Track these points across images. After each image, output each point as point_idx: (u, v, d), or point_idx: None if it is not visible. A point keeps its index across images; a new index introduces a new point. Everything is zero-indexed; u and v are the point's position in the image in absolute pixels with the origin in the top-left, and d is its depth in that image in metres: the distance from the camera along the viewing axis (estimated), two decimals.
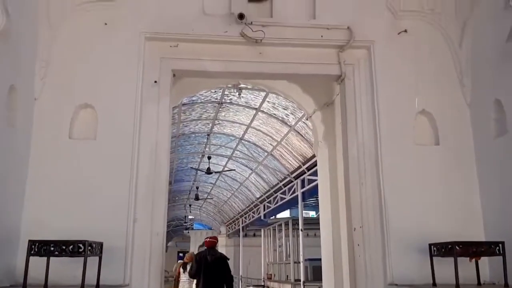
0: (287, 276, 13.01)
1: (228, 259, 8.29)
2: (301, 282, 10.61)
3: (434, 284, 3.46)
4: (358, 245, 3.88)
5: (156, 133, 3.91)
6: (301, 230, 11.03)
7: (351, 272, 3.90)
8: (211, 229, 29.43)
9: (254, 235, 22.97)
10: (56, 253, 2.98)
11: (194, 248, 28.17)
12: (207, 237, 8.57)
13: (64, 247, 2.97)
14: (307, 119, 7.08)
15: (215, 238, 8.68)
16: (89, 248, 3.08)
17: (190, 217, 27.68)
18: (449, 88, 4.20)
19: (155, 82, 4.04)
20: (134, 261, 3.61)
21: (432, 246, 3.52)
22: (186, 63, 4.18)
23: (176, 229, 33.77)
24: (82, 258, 3.09)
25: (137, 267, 3.61)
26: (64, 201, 3.64)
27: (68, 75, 3.95)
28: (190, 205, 22.14)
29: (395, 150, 4.00)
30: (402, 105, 4.13)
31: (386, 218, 3.82)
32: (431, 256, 3.52)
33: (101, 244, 3.33)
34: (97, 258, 3.32)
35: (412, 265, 3.72)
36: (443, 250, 3.38)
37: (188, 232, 30.73)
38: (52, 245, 2.97)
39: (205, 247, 8.31)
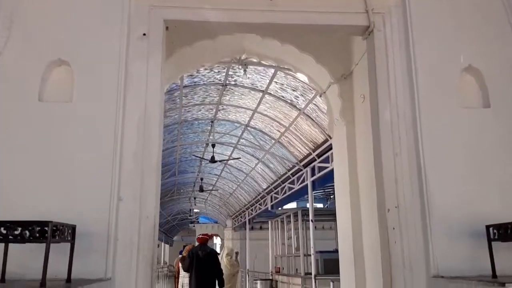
0: (297, 269, 12.32)
1: (219, 254, 9.23)
2: (312, 276, 9.92)
3: (494, 275, 2.75)
4: (394, 228, 3.17)
5: (145, 97, 3.21)
6: (312, 221, 10.33)
7: (385, 262, 3.19)
8: (216, 222, 28.83)
9: (261, 227, 22.32)
10: (11, 237, 2.28)
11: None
12: (200, 234, 9.52)
13: (21, 230, 2.27)
14: (320, 96, 6.36)
15: (207, 235, 9.53)
16: (55, 231, 2.39)
17: (195, 210, 27.04)
18: (500, 40, 3.48)
19: (144, 35, 3.35)
20: (119, 250, 2.92)
21: (491, 228, 2.81)
22: (182, 12, 3.47)
23: (181, 222, 33.18)
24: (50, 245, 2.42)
25: (122, 258, 2.92)
26: (32, 175, 2.95)
27: (39, 24, 3.26)
28: (195, 198, 21.49)
29: (437, 114, 3.28)
30: (444, 60, 3.42)
31: (428, 196, 3.11)
32: (489, 241, 2.81)
33: (72, 228, 2.64)
34: (68, 245, 2.64)
35: (462, 252, 3.01)
36: (507, 232, 2.67)
37: (194, 226, 30.13)
38: (5, 227, 2.28)
39: (198, 243, 9.13)
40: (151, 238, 3.03)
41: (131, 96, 3.20)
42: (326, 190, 21.57)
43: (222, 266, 10.07)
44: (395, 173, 3.24)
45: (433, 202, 3.10)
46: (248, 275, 18.20)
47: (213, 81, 9.43)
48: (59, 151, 2.99)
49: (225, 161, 14.47)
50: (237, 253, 11.25)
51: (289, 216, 12.52)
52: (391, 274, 3.08)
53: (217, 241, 38.27)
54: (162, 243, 34.51)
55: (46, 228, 2.33)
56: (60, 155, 2.98)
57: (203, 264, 8.64)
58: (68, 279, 2.58)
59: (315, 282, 9.85)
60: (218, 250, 36.58)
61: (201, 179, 17.06)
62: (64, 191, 2.90)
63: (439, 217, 3.08)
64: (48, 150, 2.98)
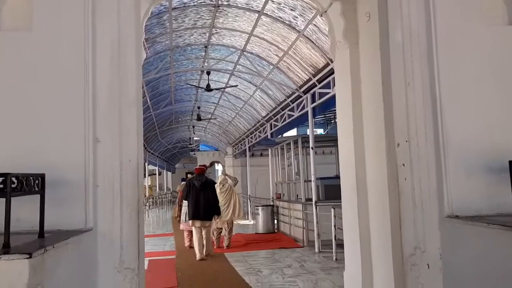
0: (297, 195, 12.33)
1: (215, 183, 9.84)
2: (313, 202, 9.87)
3: None
4: (403, 165, 2.86)
5: (118, 17, 2.76)
6: (312, 149, 10.11)
7: (393, 201, 2.92)
8: (217, 150, 28.87)
9: (261, 154, 22.30)
10: None
11: None
12: (198, 165, 10.30)
13: None
14: (321, 16, 5.81)
15: (204, 165, 10.36)
16: (19, 183, 2.08)
17: (195, 138, 26.98)
18: None
19: None
20: (99, 198, 2.64)
21: None
22: None
23: (182, 150, 33.32)
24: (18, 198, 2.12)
25: (104, 206, 2.65)
26: None
27: None
28: (193, 127, 21.28)
29: (456, 35, 2.86)
30: None
31: (443, 129, 2.77)
32: None
33: (41, 177, 2.32)
34: (38, 196, 2.34)
35: (479, 190, 2.73)
36: None
37: (195, 154, 30.24)
38: None
39: (195, 174, 9.94)
40: (135, 182, 2.73)
41: (101, 17, 2.75)
42: (327, 115, 21.27)
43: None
44: (407, 104, 2.88)
45: (449, 136, 2.76)
46: (250, 201, 18.39)
47: (204, 2, 8.77)
48: (20, 89, 2.60)
49: (222, 89, 14.01)
50: (235, 179, 11.10)
51: (289, 144, 12.31)
52: (400, 214, 2.82)
53: (218, 167, 38.73)
54: (164, 171, 34.92)
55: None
56: (22, 94, 2.60)
57: (198, 193, 9.48)
58: (41, 233, 2.30)
59: (316, 208, 9.81)
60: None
61: (198, 107, 16.69)
62: (29, 136, 2.55)
63: (455, 151, 2.75)
64: (7, 88, 2.60)
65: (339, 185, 10.65)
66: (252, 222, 16.95)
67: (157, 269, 8.69)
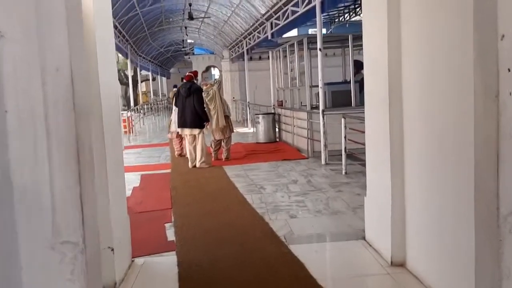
0: (301, 102, 11.30)
1: (202, 91, 9.33)
2: (320, 111, 8.88)
3: None
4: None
5: None
6: (320, 50, 8.89)
7: (485, 132, 1.90)
8: (213, 53, 27.32)
9: (260, 58, 20.91)
10: None
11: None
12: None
13: None
14: None
15: (193, 72, 9.75)
16: None
17: (189, 41, 25.30)
18: None
19: None
20: (10, 130, 1.62)
21: None
22: None
23: (176, 54, 31.69)
24: None
25: (19, 142, 1.63)
26: None
27: None
28: (186, 27, 19.61)
29: None
30: None
31: None
32: None
33: None
34: None
35: None
36: None
37: (189, 58, 28.70)
38: None
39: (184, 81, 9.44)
40: (70, 105, 1.68)
41: None
42: (330, 13, 19.56)
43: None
44: None
45: None
46: (249, 108, 17.42)
47: None
48: None
49: None
50: (215, 81, 10.09)
51: (292, 45, 11.01)
52: (498, 151, 1.81)
53: (215, 72, 37.26)
54: (159, 76, 33.56)
55: None
56: None
57: (184, 101, 9.17)
58: None
59: (323, 117, 8.85)
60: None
61: (190, 4, 15.01)
62: None
63: None
64: None
65: (348, 91, 9.57)
66: (252, 130, 16.14)
67: (150, 187, 7.93)
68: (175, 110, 10.54)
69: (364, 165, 8.34)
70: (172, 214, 5.97)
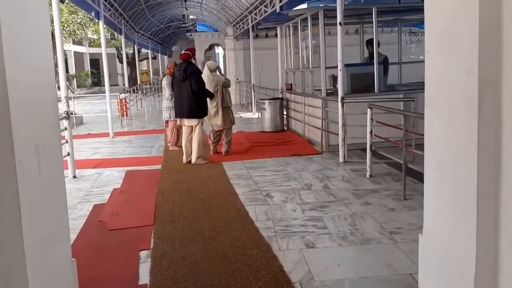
0: (314, 87, 9.79)
1: (201, 73, 7.86)
2: (339, 98, 7.41)
3: None
4: None
5: None
6: (340, 24, 7.37)
7: None
8: (217, 31, 25.63)
9: (267, 36, 19.28)
10: None
11: (199, 53, 24.92)
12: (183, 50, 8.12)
13: None
14: None
15: (190, 50, 8.12)
16: None
17: (191, 17, 23.65)
18: None
19: None
20: None
21: None
22: None
23: (178, 31, 30.01)
24: None
25: None
26: None
27: None
28: (185, 1, 17.96)
29: None
30: None
31: None
32: None
33: None
34: None
35: None
36: None
37: (191, 35, 27.02)
38: None
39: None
40: None
41: None
42: None
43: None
44: None
45: None
46: (254, 91, 15.93)
47: None
48: None
49: None
50: (218, 68, 8.55)
51: (305, 20, 9.46)
52: None
53: (219, 51, 35.56)
54: (159, 54, 31.95)
55: None
56: None
57: (180, 85, 7.77)
58: None
59: (343, 106, 7.39)
60: (221, 61, 34.08)
61: None
62: None
63: None
64: None
65: (371, 74, 8.04)
66: (256, 115, 14.69)
67: (133, 189, 6.55)
68: (166, 97, 9.22)
69: (391, 164, 7.00)
70: (153, 234, 4.59)
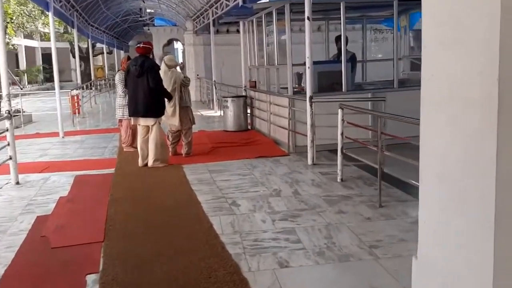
0: (280, 85, 9.34)
1: (158, 68, 7.25)
2: (308, 97, 6.99)
3: None
4: None
5: None
6: (309, 19, 6.94)
7: None
8: (176, 25, 24.84)
9: (228, 31, 18.75)
10: None
11: (157, 48, 24.06)
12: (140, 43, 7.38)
13: None
14: None
15: (148, 43, 7.40)
16: None
17: (148, 10, 22.73)
18: None
19: None
20: None
21: None
22: None
23: (135, 25, 28.92)
24: None
25: None
26: None
27: None
28: None
29: None
30: None
31: None
32: None
33: None
34: None
35: None
36: None
37: (149, 29, 26.10)
38: None
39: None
40: None
41: None
42: None
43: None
44: None
45: None
46: (215, 88, 15.36)
47: None
48: None
49: None
50: (179, 64, 7.99)
51: (270, 14, 9.00)
52: None
53: (178, 46, 34.62)
54: (115, 49, 30.76)
55: None
56: None
57: (136, 81, 7.04)
58: None
59: (311, 105, 6.97)
60: (180, 56, 33.20)
61: None
62: None
63: None
64: None
65: (338, 72, 7.66)
66: (218, 113, 14.14)
67: (82, 197, 5.90)
68: (119, 94, 8.56)
69: (361, 167, 6.63)
70: (102, 253, 4.00)
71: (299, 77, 9.66)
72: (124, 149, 8.72)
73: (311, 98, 6.97)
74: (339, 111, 5.95)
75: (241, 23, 11.75)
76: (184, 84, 7.71)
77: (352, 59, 8.80)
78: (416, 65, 11.25)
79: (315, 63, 8.13)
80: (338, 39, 8.99)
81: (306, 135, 7.20)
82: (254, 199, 5.42)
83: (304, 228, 4.41)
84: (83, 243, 4.30)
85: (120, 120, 8.81)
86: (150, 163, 7.20)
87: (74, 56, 30.42)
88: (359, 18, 10.97)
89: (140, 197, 5.69)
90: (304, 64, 8.19)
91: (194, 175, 6.68)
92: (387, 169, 5.23)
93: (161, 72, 7.37)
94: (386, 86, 9.15)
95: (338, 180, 6.05)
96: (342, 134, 5.98)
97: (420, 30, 11.29)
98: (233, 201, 5.37)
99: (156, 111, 7.15)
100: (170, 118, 7.62)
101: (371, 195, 5.35)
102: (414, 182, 4.67)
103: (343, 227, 4.41)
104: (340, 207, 5.01)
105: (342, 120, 5.96)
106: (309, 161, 7.05)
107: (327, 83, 8.36)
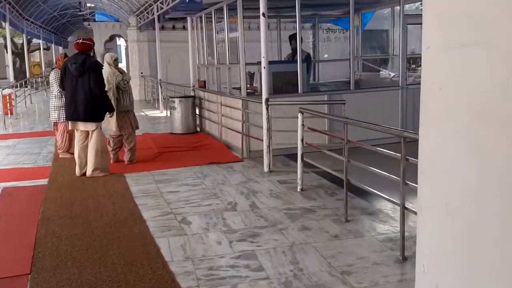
0: (232, 85, 8.79)
1: (101, 67, 6.51)
2: (263, 99, 6.49)
3: None
4: None
5: None
6: (264, 16, 6.43)
7: None
8: (118, 21, 23.66)
9: (174, 27, 17.99)
10: None
11: (99, 45, 22.78)
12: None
13: None
14: None
15: (88, 40, 6.72)
16: None
17: (88, 4, 21.47)
18: None
19: None
20: None
21: None
22: None
23: (74, 20, 27.35)
24: None
25: None
26: None
27: None
28: None
29: None
30: None
31: None
32: None
33: None
34: None
35: None
36: None
37: (89, 25, 24.71)
38: None
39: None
40: None
41: None
42: None
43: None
44: None
45: None
46: (161, 87, 14.57)
47: None
48: None
49: None
50: (115, 60, 7.26)
51: (220, 10, 8.42)
52: None
53: (121, 42, 33.18)
54: (53, 45, 29.02)
55: None
56: None
57: (75, 81, 6.31)
58: None
59: (268, 108, 6.48)
60: (123, 53, 31.82)
61: None
62: None
63: None
64: None
65: (294, 72, 7.24)
66: (164, 113, 13.42)
67: (8, 215, 5.11)
68: (54, 94, 7.73)
69: (319, 173, 6.20)
70: None
71: (251, 76, 9.17)
72: (60, 156, 7.87)
73: (267, 100, 6.48)
74: (299, 115, 5.49)
75: (188, 19, 11.08)
76: (120, 87, 6.93)
77: (307, 59, 8.41)
78: (367, 66, 11.08)
79: (269, 62, 7.66)
80: (292, 37, 8.59)
81: (261, 140, 6.71)
82: (207, 214, 4.85)
83: (266, 250, 3.90)
84: (4, 276, 3.58)
85: (56, 124, 7.95)
86: (88, 173, 6.44)
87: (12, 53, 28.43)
88: (311, 16, 10.64)
89: (75, 214, 4.97)
90: (258, 63, 7.75)
91: (138, 186, 6.02)
92: (350, 177, 4.86)
93: (104, 73, 6.62)
94: (341, 87, 8.86)
95: (298, 189, 5.59)
96: (302, 140, 5.52)
97: (372, 31, 11.10)
98: (183, 217, 4.78)
99: (98, 115, 6.42)
100: (107, 122, 6.88)
101: (335, 208, 4.93)
102: (383, 194, 4.29)
103: (309, 248, 3.93)
104: (303, 222, 4.54)
105: (303, 125, 5.50)
106: (265, 168, 6.56)
107: (282, 84, 7.91)
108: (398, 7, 8.91)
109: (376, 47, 13.79)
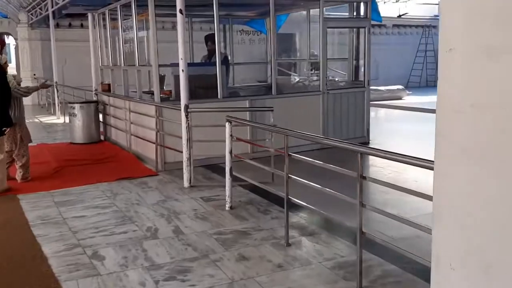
0: (140, 90, 7.89)
1: (5, 72, 5.64)
2: (183, 106, 5.77)
3: None
4: None
5: None
6: (181, 12, 5.72)
7: None
8: (6, 17, 21.18)
9: (70, 25, 16.44)
10: None
11: None
12: None
13: None
14: None
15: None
16: None
17: None
18: None
19: None
20: None
21: None
22: None
23: None
24: None
25: None
26: None
27: None
28: None
29: None
30: None
31: None
32: None
33: None
34: None
35: None
36: None
37: None
38: None
39: None
40: None
41: None
42: None
43: None
44: None
45: None
46: (58, 91, 13.10)
47: None
48: None
49: None
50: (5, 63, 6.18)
51: (127, 5, 7.52)
52: None
53: (10, 41, 29.99)
54: None
55: None
56: None
57: None
58: None
59: (187, 116, 5.77)
60: (13, 53, 28.82)
61: None
62: None
63: None
64: None
65: (212, 76, 6.66)
66: (61, 120, 12.06)
67: None
68: None
69: (246, 187, 5.65)
70: None
71: (161, 79, 8.39)
72: None
73: (187, 107, 5.79)
74: (227, 124, 4.88)
75: (89, 16, 9.94)
76: (19, 93, 5.88)
77: (225, 62, 7.83)
78: (280, 70, 10.78)
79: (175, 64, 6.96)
80: (208, 38, 7.97)
81: (179, 151, 6.01)
82: (124, 245, 4.06)
83: None
84: None
85: None
86: None
87: None
88: (224, 17, 10.08)
89: None
90: (171, 65, 7.03)
91: (36, 211, 5.02)
92: (273, 187, 4.50)
93: None
94: (261, 92, 8.44)
95: (227, 208, 4.98)
96: (231, 152, 4.92)
97: (286, 34, 10.77)
98: (94, 251, 3.94)
99: None
100: None
101: (271, 228, 4.41)
102: (326, 212, 3.85)
103: (253, 284, 3.34)
104: (239, 250, 3.94)
105: (231, 135, 4.90)
106: (186, 183, 5.85)
107: (200, 88, 7.24)
108: (312, 10, 8.69)
109: (285, 50, 13.67)
